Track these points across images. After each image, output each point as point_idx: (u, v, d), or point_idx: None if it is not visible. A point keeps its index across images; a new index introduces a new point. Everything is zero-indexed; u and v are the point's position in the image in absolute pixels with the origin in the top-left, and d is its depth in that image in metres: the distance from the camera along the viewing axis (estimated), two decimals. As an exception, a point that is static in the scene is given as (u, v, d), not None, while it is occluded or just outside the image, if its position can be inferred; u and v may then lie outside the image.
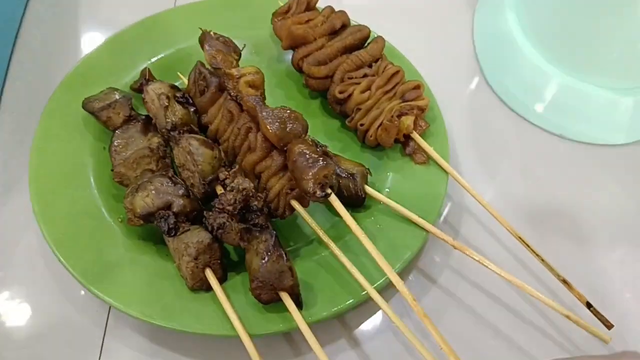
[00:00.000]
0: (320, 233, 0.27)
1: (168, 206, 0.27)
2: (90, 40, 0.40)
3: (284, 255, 0.25)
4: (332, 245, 0.27)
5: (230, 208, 0.26)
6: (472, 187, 0.34)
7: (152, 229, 0.28)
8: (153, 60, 0.36)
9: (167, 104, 0.30)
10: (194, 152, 0.28)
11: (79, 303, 0.28)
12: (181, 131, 0.29)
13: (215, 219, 0.26)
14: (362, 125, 0.33)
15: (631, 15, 0.35)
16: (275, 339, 0.28)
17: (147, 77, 0.33)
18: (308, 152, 0.26)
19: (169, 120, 0.30)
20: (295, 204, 0.28)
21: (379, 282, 0.27)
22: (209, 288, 0.26)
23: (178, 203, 0.27)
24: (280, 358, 0.27)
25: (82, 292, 0.29)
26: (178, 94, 0.31)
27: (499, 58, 0.41)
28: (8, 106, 0.36)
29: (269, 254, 0.25)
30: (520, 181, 0.36)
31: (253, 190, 0.26)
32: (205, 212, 0.27)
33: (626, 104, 0.38)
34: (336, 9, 0.37)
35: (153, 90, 0.30)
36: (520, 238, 0.29)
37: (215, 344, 0.27)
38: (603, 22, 0.36)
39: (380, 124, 0.32)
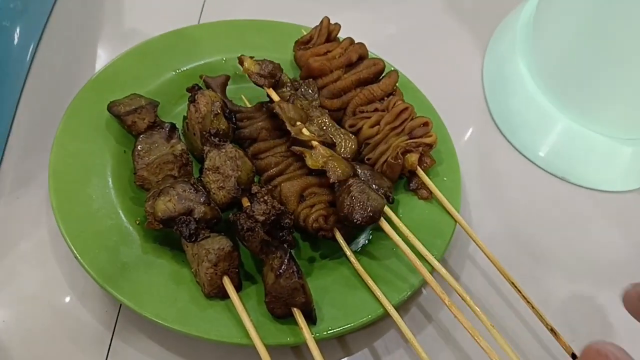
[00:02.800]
0: (348, 252, 0.31)
1: (189, 212, 0.29)
2: (114, 48, 0.43)
3: (296, 273, 0.27)
4: (356, 263, 0.31)
5: (261, 218, 0.29)
6: (473, 221, 0.37)
7: (169, 234, 0.31)
8: (178, 71, 0.39)
9: (218, 112, 0.33)
10: (237, 158, 0.31)
11: (89, 302, 0.31)
12: (221, 140, 0.32)
13: (246, 221, 0.28)
14: (369, 159, 0.36)
15: (637, 68, 0.38)
16: (285, 351, 0.30)
17: (211, 85, 0.36)
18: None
19: (214, 126, 0.33)
20: (337, 233, 0.31)
21: (399, 298, 0.30)
22: (224, 296, 0.28)
23: (199, 210, 0.30)
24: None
25: (93, 291, 0.31)
26: (226, 109, 0.34)
27: (506, 101, 0.44)
28: (29, 103, 0.39)
29: (282, 270, 0.27)
30: (521, 220, 0.39)
31: (283, 209, 0.30)
32: (232, 214, 0.30)
33: (625, 153, 0.42)
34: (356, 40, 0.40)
35: (210, 95, 0.33)
36: (512, 283, 0.31)
37: (224, 352, 0.30)
38: (610, 72, 0.39)
39: (386, 161, 0.35)
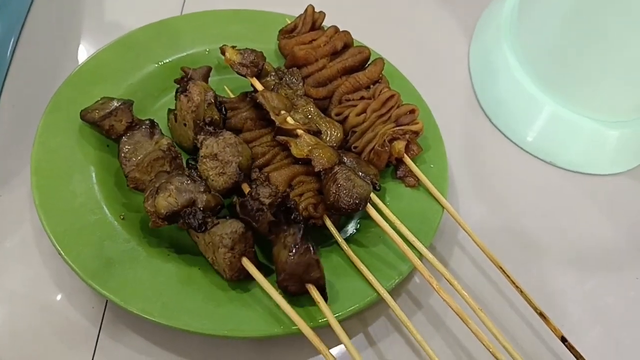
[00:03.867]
0: (339, 239, 0.32)
1: (192, 203, 0.30)
2: (96, 42, 0.43)
3: (312, 248, 0.28)
4: (348, 250, 0.31)
5: (267, 200, 0.29)
6: (461, 208, 0.37)
7: (153, 230, 0.31)
8: (160, 63, 0.39)
9: (212, 101, 0.34)
10: (237, 144, 0.32)
11: (75, 299, 0.31)
12: (216, 128, 0.33)
13: (255, 203, 0.29)
14: (355, 147, 0.36)
15: (622, 52, 0.38)
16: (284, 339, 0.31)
17: (189, 75, 0.36)
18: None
19: (208, 115, 0.33)
20: (327, 220, 0.31)
21: (390, 285, 0.31)
22: (246, 277, 0.29)
23: (202, 199, 0.30)
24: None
25: (79, 288, 0.31)
26: (217, 99, 0.35)
27: (493, 86, 0.45)
28: (9, 99, 0.39)
29: (297, 246, 0.28)
30: (510, 206, 0.39)
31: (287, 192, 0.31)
32: (237, 199, 0.31)
33: (612, 136, 0.42)
34: (342, 28, 0.40)
35: (202, 85, 0.34)
36: (501, 268, 0.32)
37: (211, 344, 0.30)
38: (595, 57, 0.39)
39: (372, 148, 0.35)
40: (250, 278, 0.29)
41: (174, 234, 0.32)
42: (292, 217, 0.29)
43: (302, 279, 0.28)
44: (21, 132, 0.37)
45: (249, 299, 0.29)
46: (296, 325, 0.28)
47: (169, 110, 0.37)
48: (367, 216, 0.33)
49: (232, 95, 0.39)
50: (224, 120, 0.36)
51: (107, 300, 0.31)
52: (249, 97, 0.38)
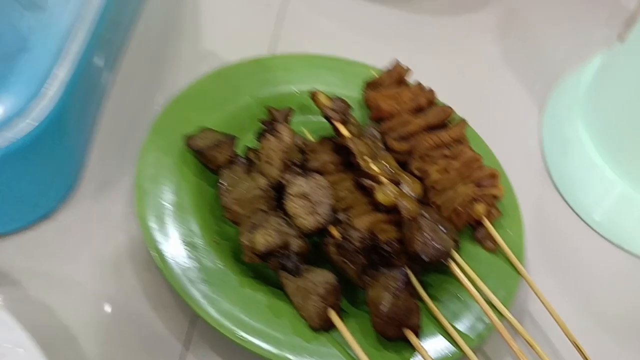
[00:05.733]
0: (421, 291, 0.33)
1: (287, 245, 0.32)
2: (191, 67, 0.46)
3: (414, 292, 0.30)
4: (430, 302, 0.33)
5: (358, 244, 0.31)
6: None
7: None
8: (253, 97, 0.43)
9: (299, 143, 0.37)
10: (328, 187, 0.35)
11: (164, 313, 0.33)
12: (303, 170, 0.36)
13: (349, 246, 0.31)
14: (435, 204, 0.38)
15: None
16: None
17: (279, 119, 0.39)
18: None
19: (294, 157, 0.37)
20: (408, 270, 0.33)
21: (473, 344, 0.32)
22: (329, 327, 0.31)
23: (295, 243, 0.32)
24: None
25: (168, 303, 0.33)
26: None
27: (564, 160, 0.47)
28: (112, 114, 0.42)
29: (401, 291, 0.30)
30: (576, 285, 0.41)
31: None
32: (328, 240, 0.33)
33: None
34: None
35: (290, 128, 0.37)
36: (576, 344, 0.33)
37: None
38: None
39: (453, 207, 0.37)
40: (332, 328, 0.31)
41: (259, 266, 0.34)
42: (392, 259, 0.32)
43: (401, 323, 0.30)
44: (121, 146, 0.40)
45: (337, 338, 0.31)
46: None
47: (248, 148, 0.40)
48: (442, 271, 0.35)
49: (309, 137, 0.42)
50: (304, 162, 0.39)
51: (194, 319, 0.33)
52: (333, 141, 0.40)
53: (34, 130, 0.31)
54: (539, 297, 0.35)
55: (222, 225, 0.36)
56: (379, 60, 0.46)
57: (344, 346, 0.31)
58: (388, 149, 0.41)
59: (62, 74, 0.32)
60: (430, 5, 0.61)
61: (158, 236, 0.33)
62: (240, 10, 0.53)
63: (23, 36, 0.32)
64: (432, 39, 0.57)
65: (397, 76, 0.43)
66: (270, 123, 0.39)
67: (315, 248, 0.35)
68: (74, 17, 0.33)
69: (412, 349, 0.31)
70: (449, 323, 0.32)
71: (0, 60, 0.31)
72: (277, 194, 0.36)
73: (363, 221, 0.36)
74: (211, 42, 0.49)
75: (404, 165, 0.40)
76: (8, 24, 0.32)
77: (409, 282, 0.31)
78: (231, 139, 0.38)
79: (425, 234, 0.33)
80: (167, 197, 0.35)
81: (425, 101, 0.42)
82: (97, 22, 0.35)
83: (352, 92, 0.45)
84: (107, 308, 0.33)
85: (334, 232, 0.35)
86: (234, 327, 0.30)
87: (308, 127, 0.43)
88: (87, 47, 0.34)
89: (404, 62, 0.44)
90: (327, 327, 0.31)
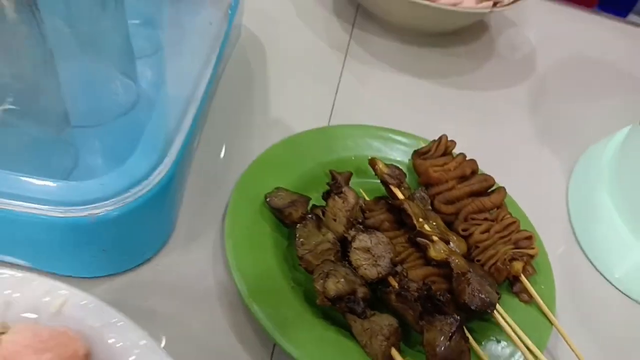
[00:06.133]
0: (470, 338, 0.38)
1: (354, 292, 0.38)
2: (263, 134, 0.53)
3: (466, 338, 0.35)
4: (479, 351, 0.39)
5: (415, 293, 0.37)
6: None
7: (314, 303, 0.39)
8: (317, 161, 0.49)
9: (362, 205, 0.44)
10: (388, 243, 0.40)
11: (248, 348, 0.39)
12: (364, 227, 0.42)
13: (409, 295, 0.37)
14: (478, 261, 0.44)
15: None
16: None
17: (340, 182, 0.45)
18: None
19: (358, 216, 0.43)
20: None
21: None
22: None
23: (361, 290, 0.38)
24: None
25: (250, 340, 0.39)
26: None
27: (590, 225, 0.53)
28: (198, 173, 0.48)
29: (454, 335, 0.35)
30: (599, 334, 0.46)
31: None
32: (389, 290, 0.39)
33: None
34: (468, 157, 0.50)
35: (354, 191, 0.44)
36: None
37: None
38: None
39: (494, 264, 0.43)
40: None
41: (326, 309, 0.40)
42: (441, 309, 0.37)
43: None
44: (205, 204, 0.47)
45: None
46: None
47: (314, 206, 0.46)
48: (484, 319, 0.40)
49: (365, 197, 0.49)
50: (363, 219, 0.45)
51: (273, 352, 0.39)
52: (388, 202, 0.47)
53: (152, 191, 0.38)
54: (568, 344, 0.40)
55: (295, 272, 0.42)
56: (418, 130, 0.53)
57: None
58: (435, 210, 0.47)
59: (178, 143, 0.39)
60: (468, 81, 0.68)
61: (247, 282, 0.39)
62: (301, 85, 0.61)
63: (150, 111, 0.40)
64: (470, 112, 0.64)
65: (443, 147, 0.50)
66: (335, 185, 0.46)
67: (374, 295, 0.41)
68: (189, 95, 0.41)
69: (463, 385, 0.36)
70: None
71: (134, 131, 0.39)
72: (342, 246, 0.43)
73: (417, 274, 0.42)
74: (278, 113, 0.57)
75: (449, 225, 0.46)
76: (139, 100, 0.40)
77: (461, 327, 0.36)
78: (305, 199, 0.44)
79: (473, 287, 0.39)
80: (252, 249, 0.42)
81: (469, 170, 0.48)
82: (202, 99, 0.43)
83: (401, 158, 0.52)
84: (197, 339, 0.39)
85: (393, 282, 0.41)
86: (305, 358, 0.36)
87: (363, 187, 0.50)
88: (194, 119, 0.42)
89: (444, 132, 0.51)
90: (388, 364, 0.37)
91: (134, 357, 0.29)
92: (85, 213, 0.35)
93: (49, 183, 0.35)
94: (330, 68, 0.65)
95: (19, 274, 0.29)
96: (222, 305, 0.41)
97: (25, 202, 0.34)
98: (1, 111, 0.34)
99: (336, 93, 0.62)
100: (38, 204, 0.34)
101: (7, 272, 0.29)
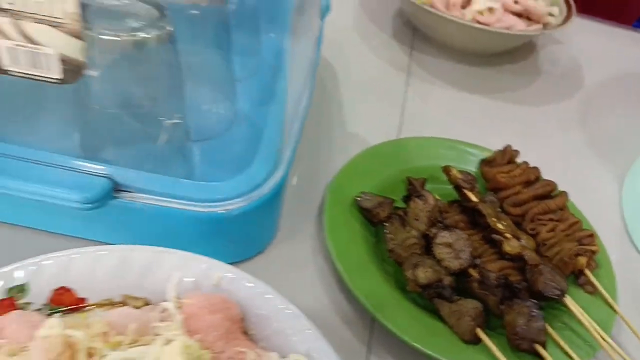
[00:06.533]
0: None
1: (440, 280, 0.44)
2: (345, 146, 0.60)
3: (542, 317, 0.42)
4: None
5: (494, 282, 0.43)
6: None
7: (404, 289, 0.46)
8: (395, 169, 0.56)
9: (439, 205, 0.49)
10: (467, 239, 0.47)
11: (349, 324, 0.45)
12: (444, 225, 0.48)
13: (491, 282, 0.43)
14: (545, 256, 0.50)
15: None
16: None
17: (417, 187, 0.52)
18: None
19: (437, 216, 0.49)
20: None
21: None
22: (477, 342, 0.42)
23: (447, 279, 0.45)
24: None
25: (351, 317, 0.45)
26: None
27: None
28: (297, 174, 0.56)
29: (533, 315, 0.41)
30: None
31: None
32: (471, 279, 0.45)
33: None
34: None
35: (433, 194, 0.50)
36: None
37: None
38: None
39: (561, 259, 0.49)
40: (478, 343, 0.43)
41: (413, 296, 0.47)
42: (517, 295, 0.43)
43: (533, 340, 0.41)
44: (301, 205, 0.54)
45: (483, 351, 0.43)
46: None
47: (395, 207, 0.53)
48: (552, 307, 0.46)
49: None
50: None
51: (372, 330, 0.45)
52: (463, 204, 0.53)
53: (270, 192, 0.45)
54: (630, 328, 0.45)
55: (383, 264, 0.49)
56: (477, 141, 0.60)
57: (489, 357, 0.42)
58: (504, 212, 0.53)
59: (288, 153, 0.47)
60: (519, 96, 0.75)
61: (346, 268, 0.46)
62: (371, 103, 0.68)
63: (262, 127, 0.47)
64: (522, 124, 0.70)
65: (508, 156, 0.56)
66: (414, 189, 0.52)
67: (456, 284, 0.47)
68: (294, 112, 0.48)
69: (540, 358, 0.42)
70: (565, 343, 0.43)
71: (234, 145, 0.46)
72: (425, 242, 0.49)
73: (493, 267, 0.48)
74: (353, 128, 0.64)
75: (517, 226, 0.52)
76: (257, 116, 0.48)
77: (539, 310, 0.42)
78: (390, 201, 0.51)
79: (545, 276, 0.45)
80: (349, 242, 0.48)
81: (533, 176, 0.54)
82: (303, 116, 0.50)
83: (468, 167, 0.58)
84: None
85: (473, 273, 0.47)
86: (407, 335, 0.42)
87: (436, 192, 0.56)
88: (299, 133, 0.49)
89: (499, 143, 0.58)
90: (475, 341, 0.43)
91: (278, 322, 0.35)
92: (222, 209, 0.42)
93: (195, 184, 0.42)
94: (395, 87, 0.72)
95: (185, 254, 0.37)
96: (324, 290, 0.47)
97: (177, 199, 0.41)
98: (171, 125, 0.42)
99: (402, 109, 0.69)
100: (187, 201, 0.41)
101: (177, 252, 0.37)
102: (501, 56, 0.80)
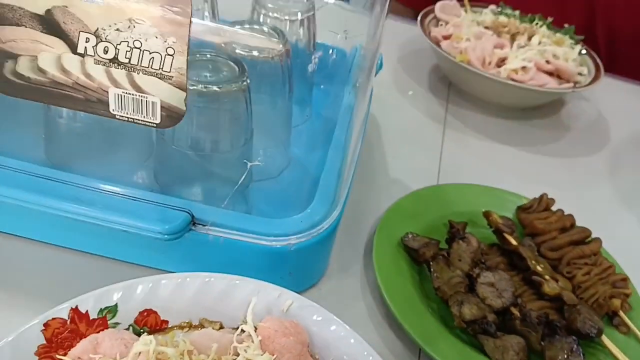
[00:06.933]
0: None
1: (484, 317, 0.48)
2: (388, 190, 0.64)
3: (582, 355, 0.44)
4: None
5: (536, 320, 0.46)
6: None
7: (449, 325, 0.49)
8: (436, 213, 0.60)
9: (483, 250, 0.53)
10: (510, 279, 0.50)
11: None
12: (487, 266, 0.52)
13: (533, 320, 0.46)
14: (581, 298, 0.53)
15: None
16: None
17: (460, 229, 0.56)
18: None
19: (482, 259, 0.53)
20: None
21: None
22: None
23: (490, 316, 0.48)
24: None
25: (400, 352, 0.49)
26: None
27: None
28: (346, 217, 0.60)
29: (574, 350, 0.44)
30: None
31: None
32: (514, 317, 0.48)
33: None
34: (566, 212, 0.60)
35: (476, 236, 0.53)
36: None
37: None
38: None
39: (596, 300, 0.52)
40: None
41: (458, 332, 0.50)
42: (558, 333, 0.46)
43: None
44: (349, 242, 0.58)
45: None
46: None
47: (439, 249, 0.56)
48: (589, 347, 0.49)
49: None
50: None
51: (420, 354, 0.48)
52: (501, 248, 0.57)
53: (327, 229, 0.49)
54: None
55: (428, 301, 0.52)
56: (511, 190, 0.64)
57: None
58: (542, 256, 0.56)
59: (343, 194, 0.51)
60: (551, 149, 0.79)
61: (396, 305, 0.49)
62: (411, 152, 0.73)
63: (321, 169, 0.52)
64: (554, 176, 0.74)
65: (544, 204, 0.60)
66: (457, 232, 0.56)
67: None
68: (351, 158, 0.53)
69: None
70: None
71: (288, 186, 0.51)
72: (469, 281, 0.52)
73: (533, 306, 0.51)
74: (394, 174, 0.69)
75: (554, 269, 0.56)
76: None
77: (578, 346, 0.45)
78: (436, 242, 0.55)
79: (583, 316, 0.48)
80: (397, 279, 0.52)
81: (569, 223, 0.58)
82: (356, 161, 0.55)
83: (505, 213, 0.62)
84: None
85: (514, 311, 0.50)
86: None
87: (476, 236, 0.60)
88: (352, 177, 0.54)
89: (531, 192, 0.62)
90: (518, 377, 0.46)
91: (342, 348, 0.39)
92: (284, 243, 0.47)
93: (264, 220, 0.47)
94: (433, 137, 0.77)
95: (258, 282, 0.41)
96: (374, 325, 0.51)
97: (246, 233, 0.46)
98: (249, 166, 0.47)
99: (440, 157, 0.73)
100: (255, 235, 0.46)
101: (252, 281, 0.41)
102: (531, 111, 0.85)
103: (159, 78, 0.39)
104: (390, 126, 0.77)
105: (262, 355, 0.35)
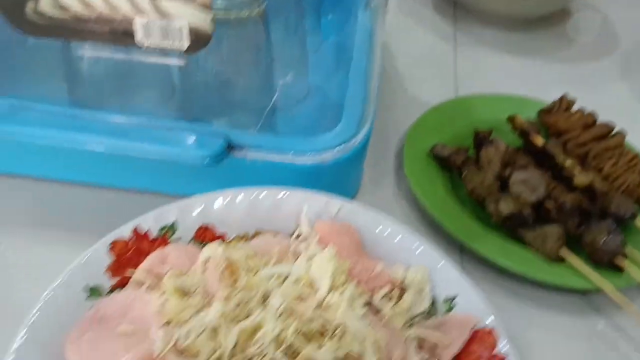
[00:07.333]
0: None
1: (521, 211, 0.49)
2: (409, 107, 0.65)
3: (621, 232, 0.47)
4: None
5: (571, 209, 0.48)
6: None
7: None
8: (460, 124, 0.61)
9: (510, 153, 0.54)
10: (541, 176, 0.51)
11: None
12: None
13: (565, 209, 0.48)
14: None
15: None
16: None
17: (486, 135, 0.57)
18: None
19: (507, 161, 0.54)
20: None
21: None
22: (561, 260, 0.47)
23: (526, 211, 0.49)
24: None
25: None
26: None
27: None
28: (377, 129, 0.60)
29: (614, 232, 0.46)
30: None
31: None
32: (549, 207, 0.50)
33: None
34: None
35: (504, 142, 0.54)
36: None
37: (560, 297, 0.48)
38: None
39: (627, 188, 0.53)
40: (563, 261, 0.48)
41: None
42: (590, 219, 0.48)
43: (614, 253, 0.46)
44: (379, 157, 0.59)
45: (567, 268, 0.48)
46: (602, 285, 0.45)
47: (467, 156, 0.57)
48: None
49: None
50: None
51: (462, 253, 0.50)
52: (526, 150, 0.58)
53: (360, 144, 0.50)
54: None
55: (461, 205, 0.53)
56: (542, 94, 0.65)
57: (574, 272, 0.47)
58: (567, 153, 0.57)
59: (371, 111, 0.52)
60: (563, 57, 0.79)
61: (434, 208, 0.51)
62: (426, 70, 0.73)
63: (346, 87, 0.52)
64: (571, 80, 0.74)
65: (565, 105, 0.61)
66: (484, 137, 0.57)
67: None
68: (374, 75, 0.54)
69: (619, 270, 0.46)
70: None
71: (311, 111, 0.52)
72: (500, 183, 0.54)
73: (566, 197, 0.52)
74: (414, 91, 0.69)
75: (581, 164, 0.57)
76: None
77: (617, 226, 0.47)
78: (465, 148, 0.56)
79: (617, 200, 0.49)
80: (429, 183, 0.54)
81: (591, 120, 0.59)
82: (379, 79, 0.55)
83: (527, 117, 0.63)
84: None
85: (549, 205, 0.51)
86: (496, 257, 0.47)
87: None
88: (377, 94, 0.54)
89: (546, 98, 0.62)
90: (559, 260, 0.47)
91: (393, 242, 0.40)
92: (319, 160, 0.48)
93: (297, 138, 0.48)
94: (445, 55, 0.77)
95: (305, 192, 0.42)
96: (410, 222, 0.53)
97: (282, 153, 0.47)
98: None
99: (455, 73, 0.73)
100: (291, 154, 0.47)
101: (299, 191, 0.42)
102: (540, 22, 0.84)
103: (184, 1, 0.39)
104: (401, 50, 0.76)
105: (322, 249, 0.36)
